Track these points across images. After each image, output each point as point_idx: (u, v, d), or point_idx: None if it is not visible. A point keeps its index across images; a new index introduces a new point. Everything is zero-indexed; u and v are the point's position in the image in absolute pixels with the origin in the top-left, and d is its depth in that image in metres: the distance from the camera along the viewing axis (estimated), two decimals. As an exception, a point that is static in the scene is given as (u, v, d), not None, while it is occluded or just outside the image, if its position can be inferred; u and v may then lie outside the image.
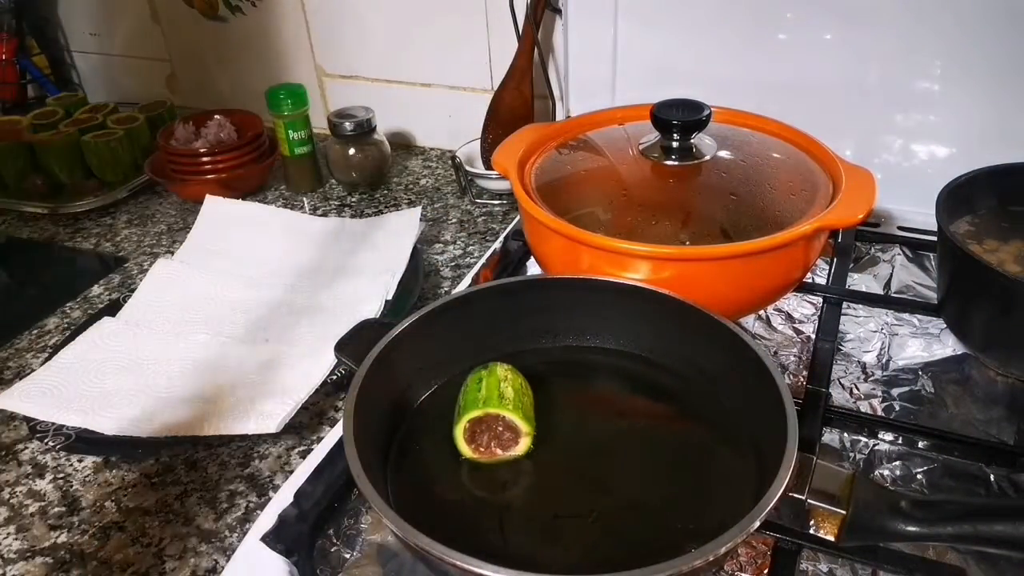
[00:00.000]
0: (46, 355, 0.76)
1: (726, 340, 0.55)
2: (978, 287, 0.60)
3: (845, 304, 0.70)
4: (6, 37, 1.27)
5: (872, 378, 0.65)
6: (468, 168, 0.99)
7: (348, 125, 0.98)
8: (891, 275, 0.77)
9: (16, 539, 0.58)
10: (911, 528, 0.44)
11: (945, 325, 0.68)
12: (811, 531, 0.47)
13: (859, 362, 0.67)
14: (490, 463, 0.54)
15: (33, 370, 0.72)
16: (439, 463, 0.54)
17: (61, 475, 0.64)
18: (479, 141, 1.01)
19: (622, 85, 0.92)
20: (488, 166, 0.98)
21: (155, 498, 0.61)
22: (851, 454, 0.58)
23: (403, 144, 1.16)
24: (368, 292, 0.79)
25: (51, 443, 0.65)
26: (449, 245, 0.92)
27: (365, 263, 0.84)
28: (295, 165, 1.04)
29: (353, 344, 0.58)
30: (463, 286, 0.81)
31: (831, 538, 0.46)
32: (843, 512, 0.45)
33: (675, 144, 0.68)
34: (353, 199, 1.03)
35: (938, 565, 0.49)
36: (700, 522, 0.48)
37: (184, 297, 0.81)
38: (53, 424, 0.66)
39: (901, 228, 0.82)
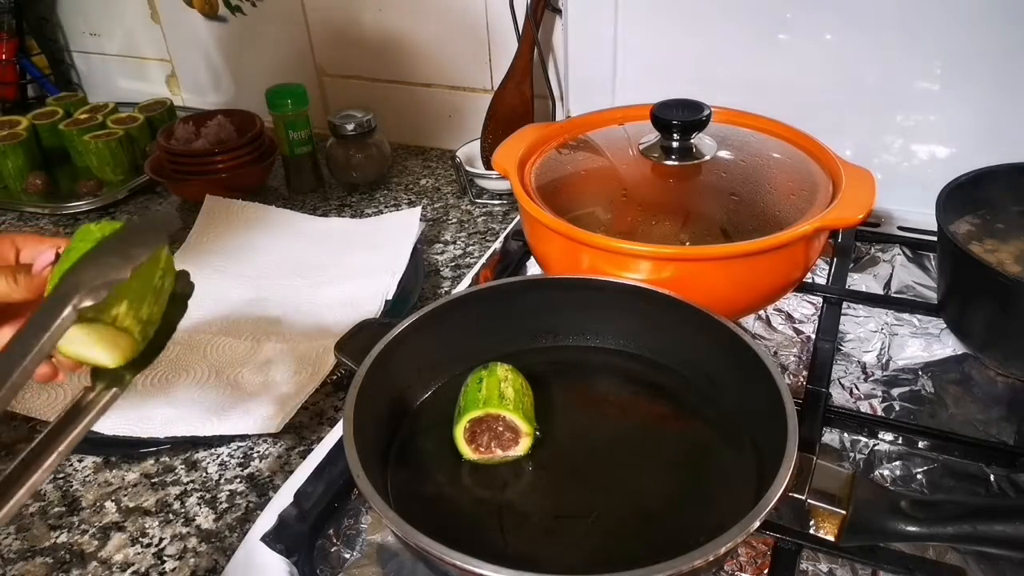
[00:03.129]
0: (46, 355, 0.76)
1: (726, 340, 0.55)
2: (978, 287, 0.60)
3: (845, 304, 0.70)
4: (6, 37, 1.27)
5: (872, 378, 0.65)
6: (468, 168, 0.99)
7: (348, 125, 0.98)
8: (891, 275, 0.77)
9: (16, 539, 0.58)
10: (911, 528, 0.44)
11: (945, 325, 0.68)
12: (811, 531, 0.47)
13: (859, 362, 0.67)
14: (490, 463, 0.54)
15: (33, 370, 0.72)
16: (439, 463, 0.54)
17: (61, 475, 0.63)
18: (479, 141, 1.01)
19: (622, 85, 0.92)
20: (488, 166, 0.98)
21: (155, 498, 0.61)
22: (851, 454, 0.58)
23: (403, 144, 1.16)
24: (368, 292, 0.79)
25: (51, 443, 0.65)
26: (449, 245, 0.92)
27: (365, 263, 0.84)
28: (295, 165, 1.04)
29: (353, 344, 0.58)
30: (463, 286, 0.80)
31: (831, 538, 0.46)
32: (843, 512, 0.45)
33: (675, 144, 0.68)
34: (353, 199, 1.03)
35: (938, 565, 0.49)
36: (700, 522, 0.48)
37: (184, 297, 0.81)
38: (53, 424, 0.66)
39: (901, 228, 0.82)
